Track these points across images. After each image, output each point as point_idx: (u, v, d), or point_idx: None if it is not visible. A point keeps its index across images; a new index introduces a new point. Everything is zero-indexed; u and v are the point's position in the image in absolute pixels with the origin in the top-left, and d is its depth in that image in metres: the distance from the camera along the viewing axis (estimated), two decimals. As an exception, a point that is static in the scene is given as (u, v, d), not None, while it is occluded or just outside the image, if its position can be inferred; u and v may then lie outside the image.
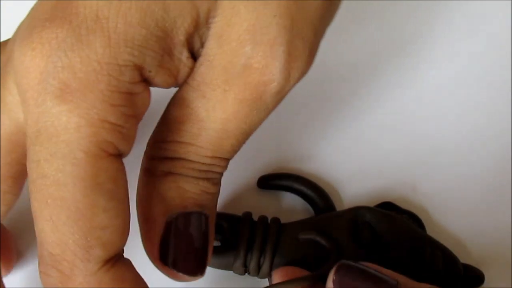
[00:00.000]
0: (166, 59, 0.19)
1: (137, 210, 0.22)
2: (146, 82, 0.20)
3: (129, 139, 0.20)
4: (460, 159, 0.30)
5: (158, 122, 0.22)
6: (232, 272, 0.26)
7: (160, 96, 0.22)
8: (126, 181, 0.20)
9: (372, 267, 0.21)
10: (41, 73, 0.18)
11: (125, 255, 0.21)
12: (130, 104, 0.19)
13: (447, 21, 0.32)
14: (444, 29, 0.32)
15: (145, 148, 0.22)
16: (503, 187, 0.29)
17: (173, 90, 0.21)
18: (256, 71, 0.19)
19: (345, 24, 0.32)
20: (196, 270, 0.22)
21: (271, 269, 0.25)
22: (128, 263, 0.20)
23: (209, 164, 0.21)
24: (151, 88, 0.21)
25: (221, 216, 0.27)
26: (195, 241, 0.22)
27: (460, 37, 0.32)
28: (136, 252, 0.26)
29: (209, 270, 0.27)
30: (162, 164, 0.21)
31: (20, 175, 0.22)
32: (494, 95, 0.31)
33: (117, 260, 0.19)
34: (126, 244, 0.21)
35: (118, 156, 0.19)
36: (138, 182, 0.22)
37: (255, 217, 0.27)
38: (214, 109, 0.20)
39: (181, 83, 0.21)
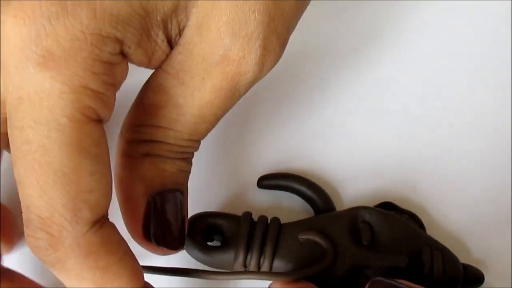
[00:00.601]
0: (144, 39, 0.20)
1: (116, 192, 0.23)
2: (124, 56, 0.21)
3: (109, 106, 0.20)
4: (460, 159, 0.30)
5: (133, 106, 0.23)
6: (232, 272, 0.26)
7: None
8: (107, 146, 0.20)
9: (405, 283, 0.21)
10: (23, 40, 0.18)
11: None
12: (111, 73, 0.20)
13: (448, 20, 0.32)
14: (444, 28, 0.32)
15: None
16: (503, 187, 0.29)
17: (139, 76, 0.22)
18: (233, 62, 0.21)
19: (348, 25, 0.32)
20: (178, 243, 0.23)
21: (271, 269, 0.25)
22: (113, 226, 0.21)
23: (185, 146, 0.23)
24: None
25: (221, 216, 0.27)
26: (174, 216, 0.23)
27: (461, 36, 0.32)
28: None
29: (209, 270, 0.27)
30: (141, 147, 0.22)
31: None
32: (495, 95, 0.31)
33: (103, 223, 0.20)
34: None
35: (100, 122, 0.20)
36: (116, 164, 0.23)
37: (255, 217, 0.27)
38: (192, 96, 0.21)
39: (154, 66, 0.22)
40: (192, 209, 0.27)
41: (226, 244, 0.26)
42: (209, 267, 0.26)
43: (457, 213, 0.29)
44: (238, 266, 0.25)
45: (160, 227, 0.23)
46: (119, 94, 0.22)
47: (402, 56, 0.32)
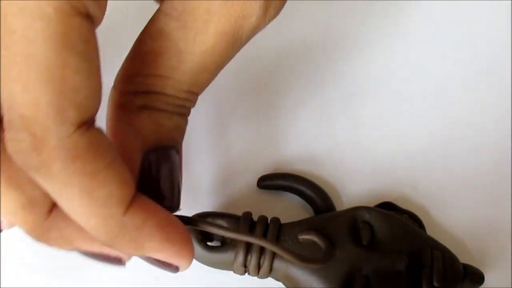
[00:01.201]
0: None
1: None
2: None
3: (101, 5, 0.19)
4: (460, 159, 0.30)
5: (128, 56, 0.22)
6: (232, 272, 0.26)
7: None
8: (98, 46, 0.19)
9: None
10: None
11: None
12: None
13: (448, 20, 0.32)
14: (444, 29, 0.32)
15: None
16: (503, 187, 0.29)
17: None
18: (238, 3, 0.20)
19: (348, 25, 0.32)
20: (172, 202, 0.22)
21: (271, 269, 0.25)
22: (101, 130, 0.19)
23: (184, 99, 0.21)
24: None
25: (221, 216, 0.27)
26: (170, 174, 0.22)
27: (461, 35, 0.32)
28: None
29: (209, 270, 0.27)
30: (137, 99, 0.21)
31: None
32: (495, 95, 0.31)
33: (90, 126, 0.18)
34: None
35: (90, 18, 0.18)
36: (110, 118, 0.22)
37: (255, 217, 0.27)
38: (194, 41, 0.20)
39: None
40: (192, 209, 0.27)
41: (226, 244, 0.26)
42: (209, 267, 0.26)
43: (457, 213, 0.29)
44: (238, 266, 0.25)
45: (156, 184, 0.21)
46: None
47: (402, 56, 0.32)
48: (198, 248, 0.26)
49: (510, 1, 0.33)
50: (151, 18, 0.21)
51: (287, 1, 0.22)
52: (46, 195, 0.19)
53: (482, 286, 0.26)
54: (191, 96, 0.22)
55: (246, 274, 0.26)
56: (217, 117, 0.30)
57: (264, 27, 0.21)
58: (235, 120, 0.30)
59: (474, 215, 0.29)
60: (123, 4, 0.30)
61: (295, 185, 0.28)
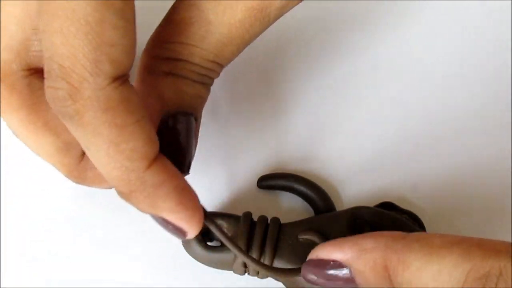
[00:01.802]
0: None
1: None
2: None
3: None
4: (460, 159, 0.30)
5: (161, 23, 0.23)
6: (232, 272, 0.26)
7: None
8: (134, 6, 0.20)
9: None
10: None
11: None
12: None
13: (448, 20, 0.32)
14: (445, 28, 0.32)
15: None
16: (503, 187, 0.29)
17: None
18: None
19: (348, 26, 0.32)
20: (184, 167, 0.23)
21: (271, 269, 0.25)
22: (133, 89, 0.20)
23: (208, 69, 0.23)
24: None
25: (221, 216, 0.27)
26: (186, 139, 0.23)
27: (461, 35, 0.32)
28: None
29: (209, 270, 0.27)
30: (164, 64, 0.22)
31: None
32: (496, 95, 0.31)
33: (124, 82, 0.20)
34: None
35: None
36: (136, 79, 0.23)
37: (255, 217, 0.27)
38: (224, 13, 0.21)
39: None
40: (192, 209, 0.27)
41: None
42: (209, 267, 0.26)
43: (457, 213, 0.29)
44: (238, 266, 0.25)
45: (170, 147, 0.22)
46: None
47: (402, 56, 0.32)
48: (198, 248, 0.26)
49: (510, 1, 0.33)
50: None
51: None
52: None
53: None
54: (216, 67, 0.23)
55: (246, 274, 0.26)
56: (217, 117, 0.30)
57: (291, 8, 0.22)
58: (235, 120, 0.30)
59: (474, 215, 0.29)
60: None
61: (295, 185, 0.28)
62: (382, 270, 0.20)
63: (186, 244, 0.26)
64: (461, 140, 0.30)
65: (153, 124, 0.22)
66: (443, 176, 0.29)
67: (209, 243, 0.26)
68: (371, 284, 0.21)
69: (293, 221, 0.27)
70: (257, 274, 0.26)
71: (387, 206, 0.28)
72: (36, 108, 0.22)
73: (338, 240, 0.22)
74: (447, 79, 0.31)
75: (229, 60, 0.23)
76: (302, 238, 0.25)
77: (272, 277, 0.26)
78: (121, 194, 0.21)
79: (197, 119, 0.24)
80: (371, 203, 0.28)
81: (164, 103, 0.22)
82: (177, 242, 0.27)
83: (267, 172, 0.29)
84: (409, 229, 0.26)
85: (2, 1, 0.22)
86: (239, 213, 0.27)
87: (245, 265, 0.25)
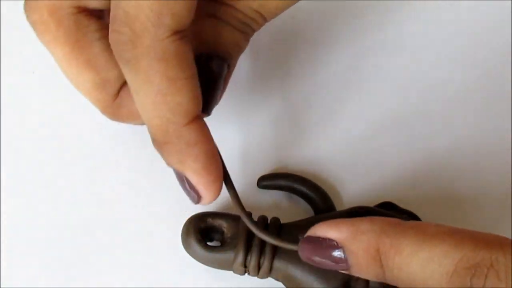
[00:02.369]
0: None
1: None
2: None
3: None
4: (460, 159, 0.30)
5: None
6: (232, 272, 0.26)
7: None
8: None
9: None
10: None
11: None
12: None
13: (448, 19, 0.32)
14: (445, 28, 0.32)
15: None
16: (503, 187, 0.29)
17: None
18: None
19: (348, 25, 0.32)
20: (206, 107, 0.23)
21: (271, 269, 0.25)
22: (190, 47, 0.21)
23: (250, 18, 0.23)
24: None
25: (221, 216, 0.27)
26: (214, 83, 0.23)
27: (462, 35, 0.32)
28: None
29: (209, 270, 0.27)
30: (209, 6, 0.23)
31: None
32: (496, 94, 0.31)
33: (182, 37, 0.20)
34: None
35: None
36: None
37: (255, 217, 0.27)
38: None
39: None
40: (192, 209, 0.27)
41: (226, 244, 0.26)
42: (208, 267, 0.26)
43: (457, 213, 0.29)
44: (238, 266, 0.25)
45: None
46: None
47: (402, 56, 0.32)
48: (198, 248, 0.26)
49: (510, 1, 0.33)
50: None
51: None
52: (116, 77, 0.23)
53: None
54: (258, 18, 0.23)
55: (246, 274, 0.26)
56: (217, 117, 0.30)
57: None
58: (235, 120, 0.30)
59: (474, 215, 0.29)
60: None
61: (295, 185, 0.28)
62: (374, 253, 0.20)
63: (186, 244, 0.26)
64: (461, 140, 0.30)
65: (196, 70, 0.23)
66: (443, 176, 0.29)
67: (209, 243, 0.26)
68: (363, 266, 0.21)
69: (293, 221, 0.27)
70: (257, 274, 0.26)
71: (387, 206, 0.28)
72: (80, 44, 0.23)
73: (337, 220, 0.22)
74: (448, 80, 0.31)
75: (273, 14, 0.23)
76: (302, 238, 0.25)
77: (273, 276, 0.26)
78: (155, 142, 0.22)
79: (230, 67, 0.24)
80: (371, 203, 0.28)
81: (200, 44, 0.23)
82: (177, 242, 0.27)
83: (267, 172, 0.29)
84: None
85: None
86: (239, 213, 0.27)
87: (245, 265, 0.25)
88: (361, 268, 0.21)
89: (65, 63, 0.23)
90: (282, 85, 0.31)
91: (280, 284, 0.26)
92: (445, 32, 0.32)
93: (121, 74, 0.22)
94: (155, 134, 0.22)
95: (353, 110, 0.31)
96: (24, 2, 0.23)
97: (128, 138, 0.30)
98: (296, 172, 0.29)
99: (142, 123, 0.24)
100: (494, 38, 0.32)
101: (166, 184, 0.29)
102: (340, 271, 0.22)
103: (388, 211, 0.27)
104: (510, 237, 0.28)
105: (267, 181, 0.29)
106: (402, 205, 0.28)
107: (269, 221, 0.26)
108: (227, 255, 0.26)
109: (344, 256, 0.21)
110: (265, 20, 0.24)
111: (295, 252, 0.25)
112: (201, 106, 0.22)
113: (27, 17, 0.23)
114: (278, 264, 0.25)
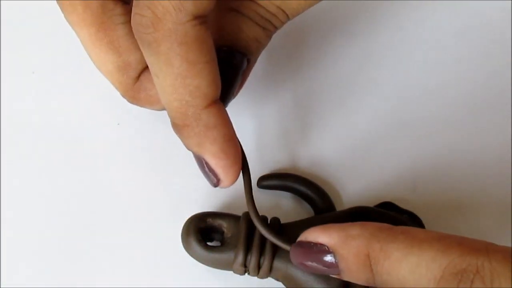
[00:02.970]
0: None
1: None
2: None
3: None
4: (460, 159, 0.30)
5: None
6: (232, 272, 0.26)
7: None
8: None
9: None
10: None
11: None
12: None
13: (448, 19, 0.32)
14: (445, 27, 0.32)
15: None
16: (503, 187, 0.29)
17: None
18: None
19: (346, 31, 0.32)
20: (224, 99, 0.24)
21: (271, 269, 0.25)
22: (210, 32, 0.21)
23: (272, 14, 0.23)
24: None
25: (221, 216, 0.27)
26: (231, 77, 0.24)
27: (462, 35, 0.32)
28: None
29: (209, 270, 0.27)
30: (232, 0, 0.23)
31: None
32: (495, 94, 0.31)
33: (202, 22, 0.21)
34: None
35: None
36: None
37: (255, 217, 0.27)
38: None
39: None
40: (192, 209, 0.27)
41: (226, 244, 0.26)
42: (208, 267, 0.26)
43: (456, 213, 0.29)
44: (238, 266, 0.25)
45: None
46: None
47: (402, 56, 0.32)
48: (198, 248, 0.26)
49: (510, 1, 0.33)
50: None
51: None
52: (138, 61, 0.24)
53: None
54: (280, 15, 0.23)
55: (246, 274, 0.26)
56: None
57: None
58: (234, 121, 0.30)
59: (474, 215, 0.29)
60: None
61: (295, 185, 0.28)
62: (364, 258, 0.20)
63: (186, 244, 0.26)
64: (461, 140, 0.30)
65: (215, 55, 0.23)
66: (443, 176, 0.29)
67: (209, 243, 0.26)
68: (353, 271, 0.21)
69: (293, 221, 0.27)
70: (257, 274, 0.26)
71: (387, 206, 0.28)
72: (105, 26, 0.23)
73: (328, 225, 0.22)
74: (448, 80, 0.31)
75: (296, 12, 0.23)
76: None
77: (273, 276, 0.26)
78: (174, 125, 0.22)
79: (250, 62, 0.24)
80: (371, 203, 0.28)
81: (221, 37, 0.23)
82: (177, 242, 0.27)
83: (267, 172, 0.29)
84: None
85: None
86: (239, 213, 0.27)
87: (245, 265, 0.25)
88: (352, 273, 0.21)
89: (90, 44, 0.24)
90: (281, 88, 0.31)
91: (280, 284, 0.26)
92: (447, 33, 0.32)
93: (142, 59, 0.23)
94: (174, 116, 0.22)
95: (353, 111, 0.31)
96: None
97: (128, 138, 0.30)
98: (296, 172, 0.29)
99: (159, 108, 0.25)
100: (494, 40, 0.32)
101: (167, 184, 0.29)
102: (331, 276, 0.22)
103: (388, 211, 0.27)
104: (510, 236, 0.28)
105: (267, 181, 0.29)
106: (402, 205, 0.28)
107: (269, 221, 0.26)
108: (227, 255, 0.26)
109: (335, 261, 0.21)
110: (287, 17, 0.24)
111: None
112: (219, 91, 0.22)
113: None
114: (278, 264, 0.25)
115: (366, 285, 0.21)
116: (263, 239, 0.25)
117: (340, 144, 0.30)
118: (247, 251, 0.25)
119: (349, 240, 0.21)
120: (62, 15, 0.24)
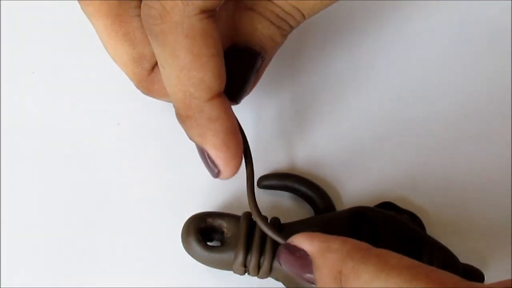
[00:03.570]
0: None
1: None
2: None
3: None
4: (460, 159, 0.30)
5: None
6: (232, 272, 0.26)
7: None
8: None
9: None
10: None
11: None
12: None
13: (448, 19, 0.32)
14: (445, 27, 0.32)
15: None
16: (503, 186, 0.29)
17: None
18: None
19: (347, 33, 0.32)
20: (235, 95, 0.24)
21: (270, 269, 0.25)
22: (217, 26, 0.22)
23: (288, 13, 0.23)
24: None
25: (221, 216, 0.27)
26: (245, 75, 0.24)
27: (462, 35, 0.32)
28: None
29: (209, 270, 0.27)
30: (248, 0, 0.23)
31: None
32: (496, 95, 0.31)
33: (210, 16, 0.21)
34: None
35: None
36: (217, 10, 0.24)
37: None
38: None
39: None
40: (192, 209, 0.27)
41: (226, 244, 0.26)
42: (208, 267, 0.26)
43: (457, 213, 0.29)
44: (238, 266, 0.25)
45: (230, 74, 0.23)
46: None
47: (402, 56, 0.32)
48: (198, 248, 0.26)
49: (510, 1, 0.33)
50: None
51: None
52: (152, 53, 0.23)
53: (482, 286, 0.26)
54: (296, 14, 0.23)
55: (246, 274, 0.26)
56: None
57: None
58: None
59: (474, 215, 0.29)
60: None
61: (295, 185, 0.28)
62: (336, 274, 0.21)
63: (186, 244, 0.26)
64: (461, 140, 0.30)
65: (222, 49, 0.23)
66: (443, 176, 0.29)
67: (209, 243, 0.26)
68: (325, 283, 0.21)
69: (293, 221, 0.27)
70: (257, 274, 0.26)
71: (387, 206, 0.28)
72: (120, 18, 0.24)
73: (314, 233, 0.22)
74: (448, 81, 0.31)
75: (311, 11, 0.24)
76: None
77: (273, 276, 0.26)
78: (178, 116, 0.23)
79: (264, 60, 0.24)
80: (371, 203, 0.28)
81: (236, 35, 0.24)
82: (177, 242, 0.27)
83: (267, 172, 0.29)
84: (409, 229, 0.26)
85: None
86: (239, 213, 0.27)
87: (245, 265, 0.25)
88: (324, 285, 0.21)
89: (105, 35, 0.24)
90: (281, 87, 0.31)
91: (280, 284, 0.26)
92: (447, 33, 0.32)
93: None
94: (178, 107, 0.22)
95: (353, 111, 0.31)
96: None
97: (128, 138, 0.30)
98: (296, 172, 0.29)
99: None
100: (494, 40, 0.32)
101: (167, 184, 0.29)
102: (310, 284, 0.22)
103: (388, 211, 0.27)
104: (510, 237, 0.28)
105: (267, 181, 0.29)
106: (402, 205, 0.28)
107: (269, 221, 0.26)
108: (227, 255, 0.26)
109: (312, 269, 0.22)
110: (303, 17, 0.24)
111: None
112: (224, 84, 0.22)
113: None
114: (278, 264, 0.25)
115: None
116: (263, 239, 0.25)
117: (340, 144, 0.30)
118: (247, 251, 0.25)
119: (327, 252, 0.21)
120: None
